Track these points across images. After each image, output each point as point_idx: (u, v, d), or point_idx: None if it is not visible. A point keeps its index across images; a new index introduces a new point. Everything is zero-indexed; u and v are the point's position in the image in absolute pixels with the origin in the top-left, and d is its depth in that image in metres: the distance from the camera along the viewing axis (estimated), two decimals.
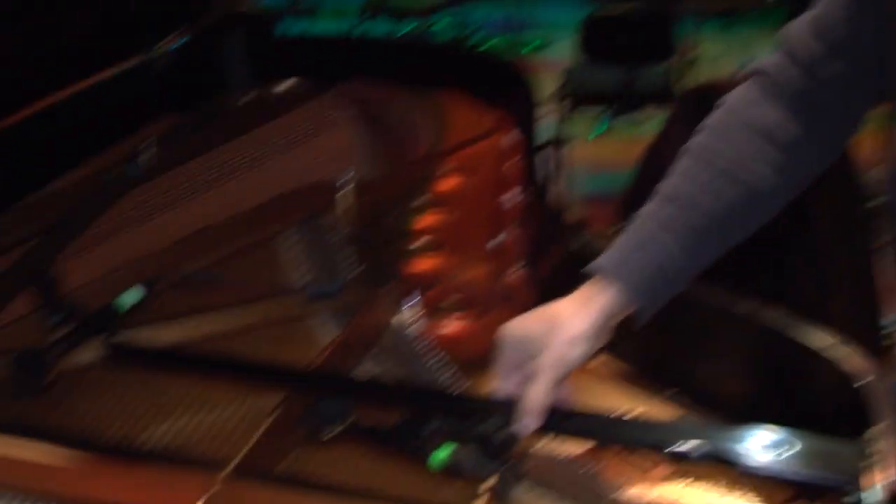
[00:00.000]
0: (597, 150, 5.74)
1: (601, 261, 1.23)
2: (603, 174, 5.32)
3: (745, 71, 1.31)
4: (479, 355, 1.57)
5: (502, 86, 2.59)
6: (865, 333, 2.76)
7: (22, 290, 1.75)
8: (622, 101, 4.75)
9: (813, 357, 1.30)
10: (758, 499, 1.27)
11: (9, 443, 1.33)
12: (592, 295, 1.22)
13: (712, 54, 7.42)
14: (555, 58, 6.78)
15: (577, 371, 1.50)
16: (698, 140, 1.27)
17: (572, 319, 1.21)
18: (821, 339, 1.31)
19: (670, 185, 1.25)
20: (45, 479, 1.31)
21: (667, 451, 1.18)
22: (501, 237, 1.95)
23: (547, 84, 5.12)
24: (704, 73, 6.45)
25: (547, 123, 5.22)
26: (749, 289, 2.99)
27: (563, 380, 1.20)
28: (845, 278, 2.79)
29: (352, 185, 2.10)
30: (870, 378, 1.24)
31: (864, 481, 1.11)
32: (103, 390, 1.57)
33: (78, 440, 1.40)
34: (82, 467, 1.29)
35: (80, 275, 1.86)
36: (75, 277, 1.84)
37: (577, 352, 1.20)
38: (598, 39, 4.56)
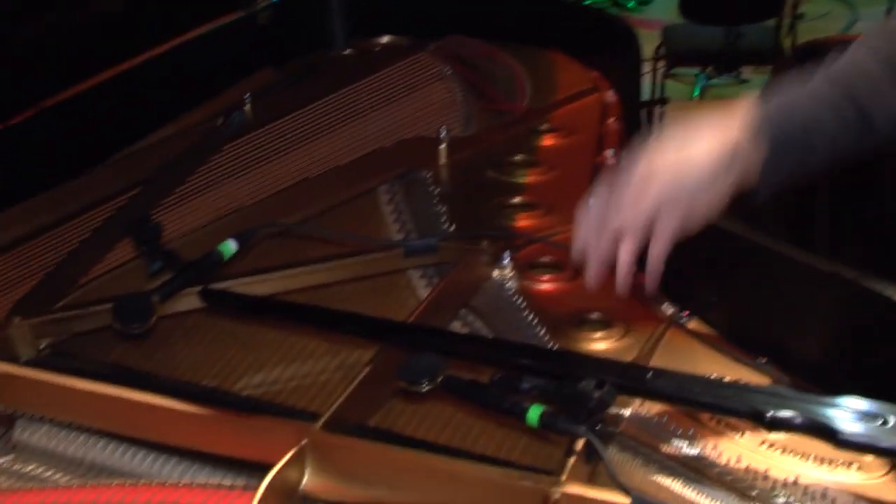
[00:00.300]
0: (696, 112, 5.64)
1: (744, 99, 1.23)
2: None
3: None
4: (572, 315, 1.57)
5: (607, 42, 2.55)
6: None
7: (123, 238, 1.79)
8: (722, 61, 4.64)
9: None
10: (853, 471, 1.23)
11: (107, 388, 1.37)
12: (729, 122, 1.24)
13: (819, 12, 7.23)
14: (656, 16, 6.69)
15: (670, 334, 1.50)
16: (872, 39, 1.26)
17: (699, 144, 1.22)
18: None
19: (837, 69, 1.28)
20: (141, 424, 1.34)
21: (761, 418, 1.16)
22: None
23: (647, 43, 5.04)
24: (811, 31, 6.30)
25: (646, 83, 5.19)
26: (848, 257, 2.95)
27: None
28: None
29: (449, 141, 2.09)
30: None
31: None
32: (200, 339, 1.60)
33: (173, 388, 1.43)
34: (176, 415, 1.31)
35: (181, 224, 1.90)
36: (176, 227, 1.88)
37: (699, 186, 1.21)
38: None
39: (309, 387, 1.45)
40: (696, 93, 5.77)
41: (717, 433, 1.30)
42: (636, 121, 2.07)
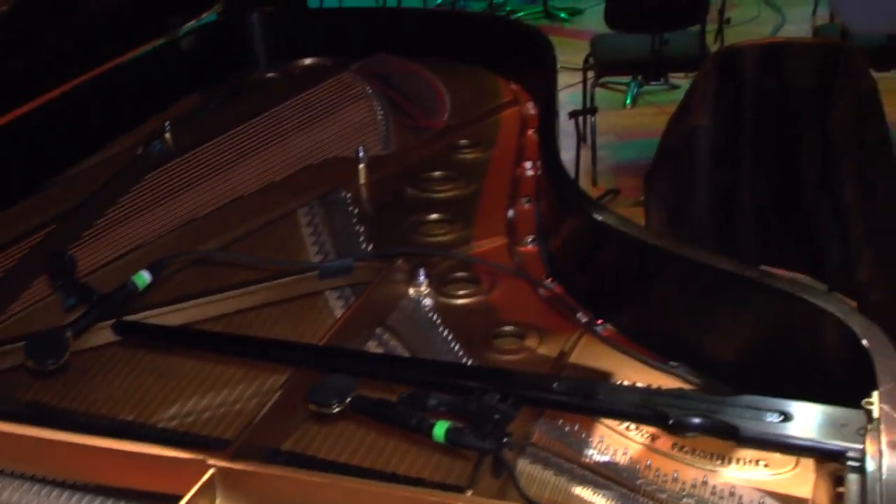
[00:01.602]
0: (627, 119, 5.70)
1: None
2: (632, 143, 5.29)
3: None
4: (487, 328, 1.58)
5: (523, 55, 2.57)
6: (891, 296, 2.74)
7: (39, 276, 1.78)
8: (650, 69, 4.69)
9: (820, 319, 1.28)
10: (761, 468, 1.25)
11: (21, 428, 1.35)
12: None
13: (747, 16, 7.35)
14: (588, 27, 6.75)
15: (584, 342, 1.52)
16: None
17: None
18: (827, 301, 1.29)
19: None
20: (57, 463, 1.33)
21: (666, 423, 1.17)
22: (516, 209, 1.94)
23: (579, 53, 5.10)
24: (739, 36, 6.39)
25: (576, 92, 5.24)
26: (777, 253, 2.99)
27: None
28: (871, 243, 2.76)
29: (368, 160, 2.10)
30: (877, 339, 1.22)
31: (867, 447, 1.10)
32: (118, 372, 1.58)
33: (88, 424, 1.42)
34: (91, 451, 1.30)
35: (100, 256, 1.88)
36: (95, 259, 1.87)
37: None
38: (623, 6, 4.51)
39: (223, 415, 1.44)
40: (629, 101, 5.83)
41: (628, 438, 1.31)
42: (551, 129, 2.07)
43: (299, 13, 3.08)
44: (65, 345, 1.51)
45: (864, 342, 1.21)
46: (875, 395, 1.14)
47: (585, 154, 4.94)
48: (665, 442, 1.29)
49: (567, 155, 4.72)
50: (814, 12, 6.80)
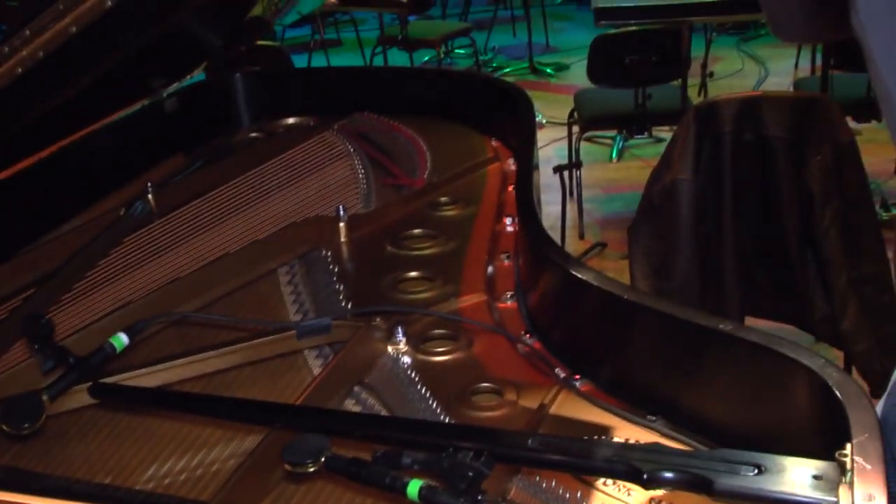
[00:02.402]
0: (613, 173, 5.74)
1: None
2: (618, 196, 5.32)
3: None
4: (465, 385, 1.57)
5: (502, 111, 2.60)
6: (876, 345, 2.75)
7: (17, 340, 1.78)
8: (634, 123, 4.73)
9: (794, 372, 1.29)
10: None
11: None
12: None
13: (730, 69, 7.43)
14: (574, 81, 6.82)
15: (562, 398, 1.52)
16: None
17: None
18: (800, 353, 1.29)
19: None
20: None
21: (640, 478, 1.17)
22: (495, 265, 1.95)
23: (565, 108, 5.14)
24: (722, 89, 6.45)
25: (563, 147, 5.29)
26: (761, 304, 2.99)
27: None
28: (855, 294, 2.77)
29: (348, 218, 2.11)
30: (851, 391, 1.22)
31: (841, 499, 1.09)
32: (95, 434, 1.58)
33: (64, 488, 1.41)
34: None
35: (82, 318, 1.88)
36: (76, 321, 1.87)
37: None
38: (605, 62, 4.55)
39: (200, 477, 1.44)
40: (614, 154, 5.87)
41: (606, 493, 1.31)
42: (528, 185, 2.08)
43: (282, 73, 3.11)
44: (41, 408, 1.50)
45: (838, 394, 1.21)
46: (848, 448, 1.14)
47: (572, 208, 4.96)
48: (642, 497, 1.29)
49: (553, 209, 4.75)
50: (796, 65, 6.87)
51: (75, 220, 2.32)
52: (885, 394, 1.46)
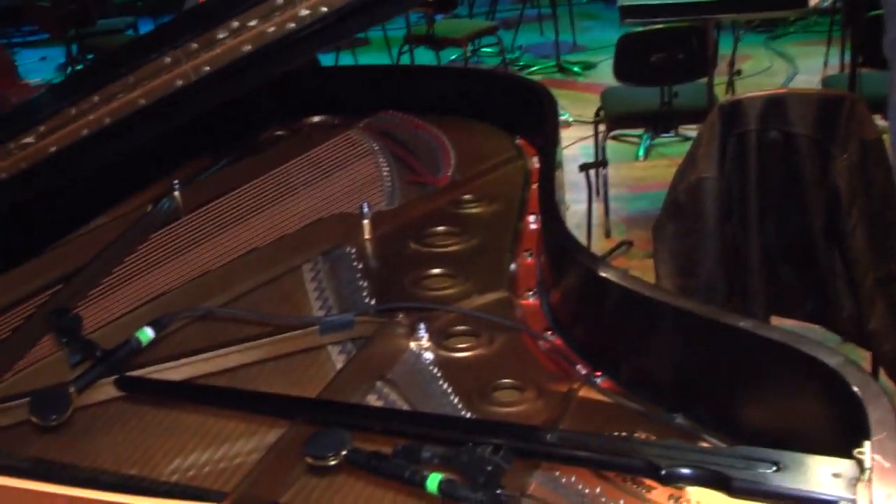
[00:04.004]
0: (639, 171, 5.73)
1: None
2: (645, 195, 5.31)
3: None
4: (487, 381, 1.58)
5: (526, 109, 2.60)
6: None
7: (45, 334, 1.80)
8: (660, 122, 4.72)
9: (815, 370, 1.29)
10: None
11: (25, 482, 1.37)
12: None
13: (759, 67, 7.39)
14: (601, 80, 6.81)
15: (583, 394, 1.52)
16: None
17: None
18: (820, 351, 1.29)
19: None
20: None
21: (658, 474, 1.17)
22: (518, 262, 1.95)
23: (592, 107, 5.14)
24: (751, 87, 6.42)
25: (589, 145, 5.29)
26: (787, 303, 2.98)
27: None
28: (882, 293, 2.75)
29: (373, 216, 2.13)
30: (870, 389, 1.22)
31: (858, 497, 1.10)
32: (121, 427, 1.61)
33: (91, 479, 1.43)
34: None
35: (111, 312, 1.91)
36: (105, 315, 1.89)
37: None
38: (632, 60, 4.54)
39: (224, 470, 1.45)
40: (641, 153, 5.86)
41: (625, 490, 1.31)
42: (551, 182, 2.09)
43: (308, 72, 3.12)
44: (68, 401, 1.53)
45: (857, 392, 1.21)
46: (867, 445, 1.14)
47: (598, 206, 4.96)
48: (661, 493, 1.29)
49: (580, 207, 4.75)
50: (825, 63, 6.83)
51: (103, 216, 2.35)
52: None
